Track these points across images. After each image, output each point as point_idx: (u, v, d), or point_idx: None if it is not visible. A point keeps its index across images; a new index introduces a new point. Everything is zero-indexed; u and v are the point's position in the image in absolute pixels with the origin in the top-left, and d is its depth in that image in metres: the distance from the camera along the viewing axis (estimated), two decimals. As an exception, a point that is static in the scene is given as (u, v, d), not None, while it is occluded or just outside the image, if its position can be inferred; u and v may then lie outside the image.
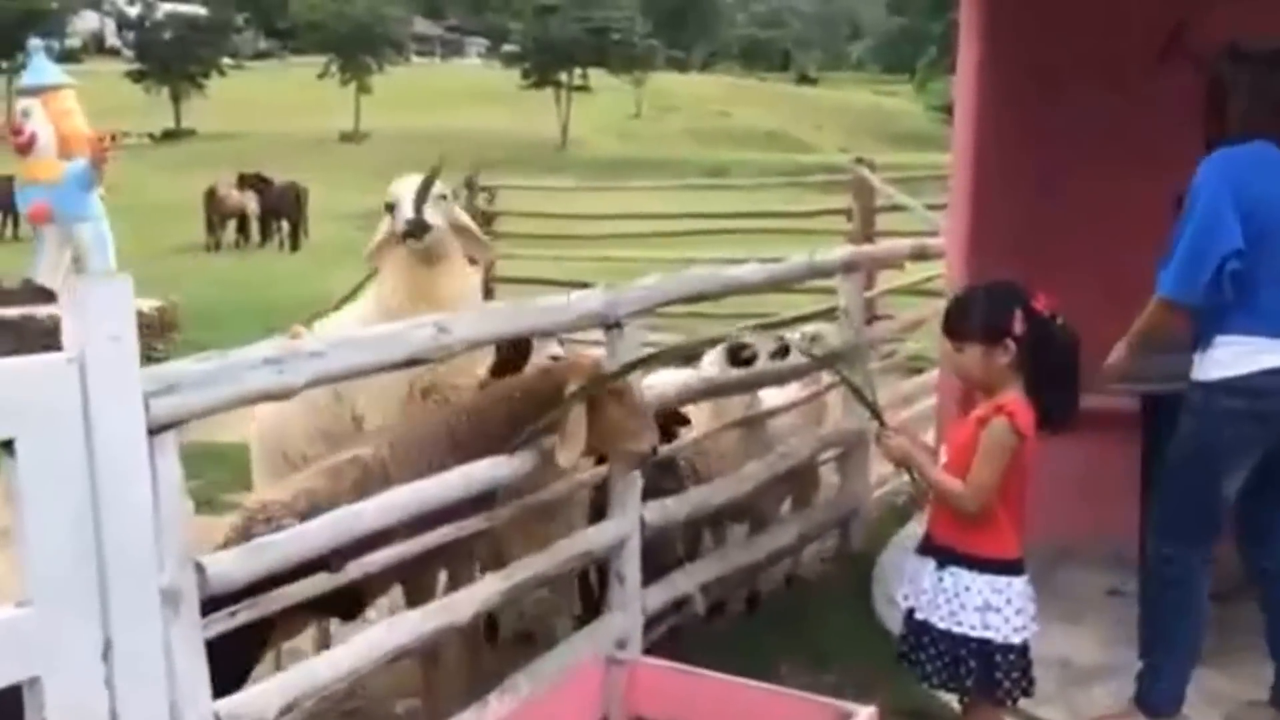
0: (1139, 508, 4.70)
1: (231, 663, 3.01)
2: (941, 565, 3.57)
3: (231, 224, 26.70)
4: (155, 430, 2.48)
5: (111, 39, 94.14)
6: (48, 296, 12.03)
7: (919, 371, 8.25)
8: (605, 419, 3.72)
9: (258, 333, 9.84)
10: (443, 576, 4.25)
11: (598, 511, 4.37)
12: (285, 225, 26.40)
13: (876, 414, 3.81)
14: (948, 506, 3.59)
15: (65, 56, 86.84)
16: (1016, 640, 3.52)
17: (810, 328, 5.80)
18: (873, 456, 6.18)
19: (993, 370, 3.51)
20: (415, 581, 3.89)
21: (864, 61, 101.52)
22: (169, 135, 59.86)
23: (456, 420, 3.76)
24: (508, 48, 76.30)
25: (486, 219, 13.70)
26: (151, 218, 26.83)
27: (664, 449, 4.55)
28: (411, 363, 3.26)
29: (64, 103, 12.73)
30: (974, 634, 3.53)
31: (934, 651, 3.63)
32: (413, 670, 4.22)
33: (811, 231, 12.77)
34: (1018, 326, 3.46)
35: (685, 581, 4.65)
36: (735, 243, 13.45)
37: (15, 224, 24.41)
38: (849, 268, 5.91)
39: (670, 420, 4.71)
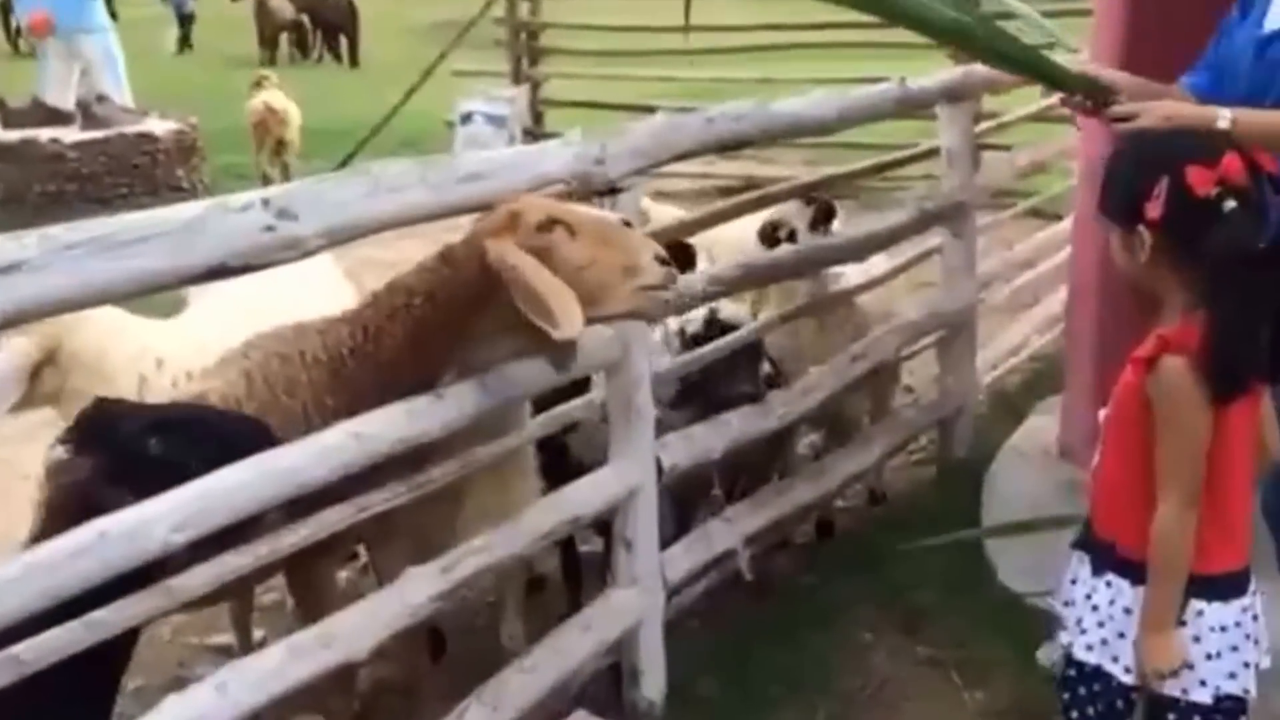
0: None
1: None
2: (1098, 569, 2.44)
3: (285, 38, 25.26)
4: None
5: None
6: (58, 116, 11.29)
7: (1055, 219, 6.63)
8: (566, 270, 2.34)
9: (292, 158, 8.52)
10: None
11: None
12: (343, 40, 24.92)
13: None
14: (1117, 488, 2.43)
15: None
16: (1204, 699, 2.34)
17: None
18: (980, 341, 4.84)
19: (1136, 269, 2.35)
20: (301, 579, 2.66)
21: None
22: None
23: (335, 343, 2.44)
24: None
25: (531, 33, 12.17)
26: (208, 30, 25.85)
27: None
28: (220, 272, 1.91)
29: (58, -98, 11.46)
30: (1130, 680, 2.38)
31: (1085, 693, 2.48)
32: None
33: (905, 45, 10.93)
34: (1152, 209, 2.25)
35: (726, 534, 3.34)
36: (820, 58, 11.80)
37: (19, 37, 22.39)
38: (953, 96, 4.41)
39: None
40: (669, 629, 3.27)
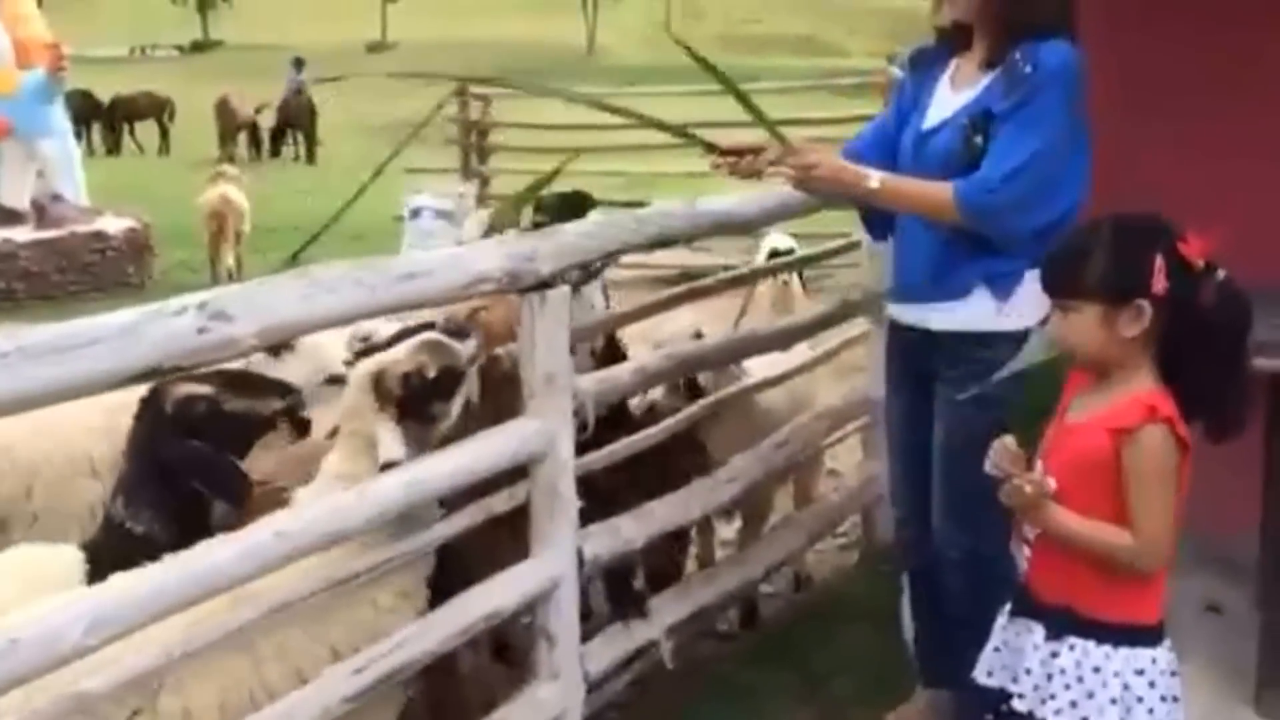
0: (1259, 499, 3.56)
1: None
2: (1055, 634, 2.57)
3: (243, 136, 25.53)
4: None
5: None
6: (13, 216, 11.44)
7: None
8: None
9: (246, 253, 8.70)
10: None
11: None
12: (300, 138, 25.22)
13: None
14: (1064, 553, 2.54)
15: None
16: None
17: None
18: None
19: (1114, 344, 2.48)
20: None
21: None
22: (197, 47, 58.98)
23: None
24: (537, -49, 73.93)
25: (481, 131, 12.47)
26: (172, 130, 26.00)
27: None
28: (154, 374, 2.04)
29: (19, 7, 11.75)
30: None
31: None
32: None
33: (844, 140, 11.27)
34: (1158, 282, 2.41)
35: (648, 626, 3.43)
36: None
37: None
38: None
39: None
40: (588, 723, 3.24)
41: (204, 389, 2.93)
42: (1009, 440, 2.53)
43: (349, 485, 2.62)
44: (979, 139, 3.04)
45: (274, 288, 2.31)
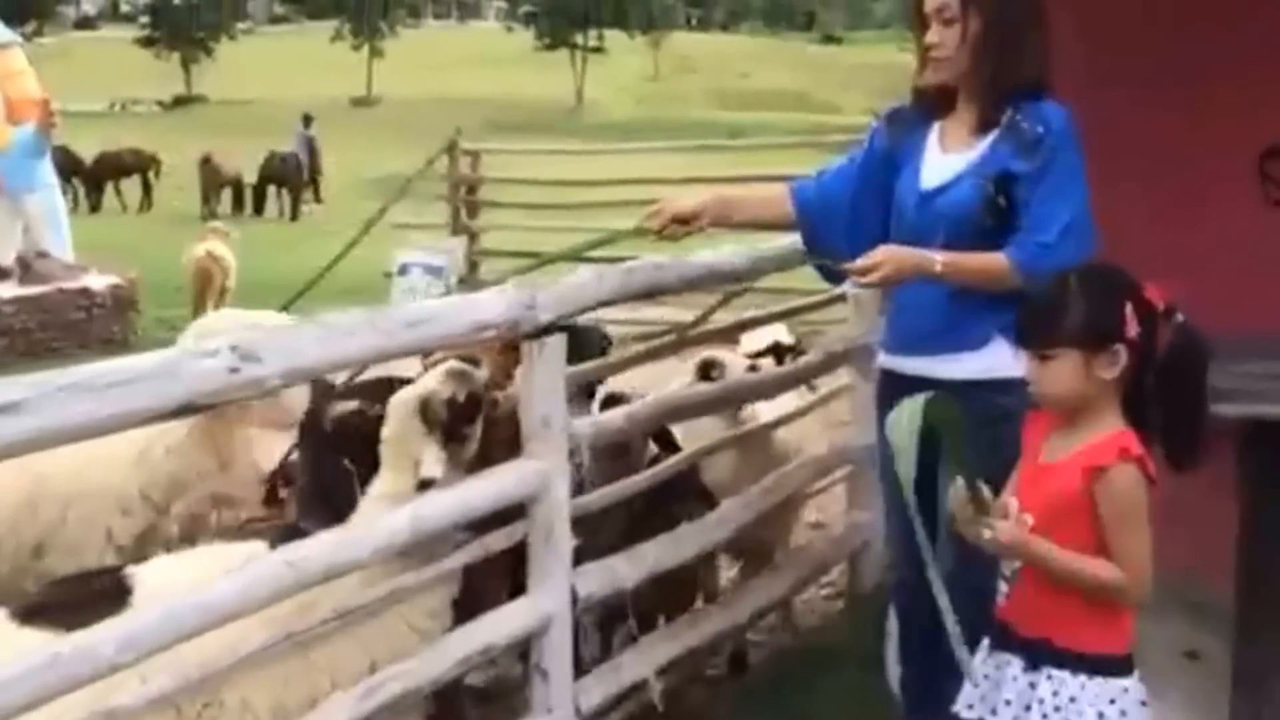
0: (1236, 546, 3.65)
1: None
2: (1034, 665, 2.67)
3: (227, 193, 25.68)
4: None
5: (125, 4, 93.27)
6: (-1, 273, 11.37)
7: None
8: None
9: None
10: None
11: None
12: (285, 194, 25.40)
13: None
14: (1041, 588, 2.65)
15: (81, 23, 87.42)
16: None
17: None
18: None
19: (1092, 387, 2.62)
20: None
21: (890, 19, 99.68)
22: (179, 102, 59.20)
23: None
24: (526, 7, 74.72)
25: (469, 187, 12.65)
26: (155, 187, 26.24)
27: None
28: (188, 409, 2.16)
29: (11, 63, 11.84)
30: None
31: None
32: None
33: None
34: (1131, 327, 2.58)
35: (638, 665, 3.53)
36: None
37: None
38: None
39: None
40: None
41: (354, 404, 3.15)
42: (961, 485, 2.61)
43: (395, 504, 2.80)
44: (1001, 199, 3.12)
45: (298, 332, 2.49)
